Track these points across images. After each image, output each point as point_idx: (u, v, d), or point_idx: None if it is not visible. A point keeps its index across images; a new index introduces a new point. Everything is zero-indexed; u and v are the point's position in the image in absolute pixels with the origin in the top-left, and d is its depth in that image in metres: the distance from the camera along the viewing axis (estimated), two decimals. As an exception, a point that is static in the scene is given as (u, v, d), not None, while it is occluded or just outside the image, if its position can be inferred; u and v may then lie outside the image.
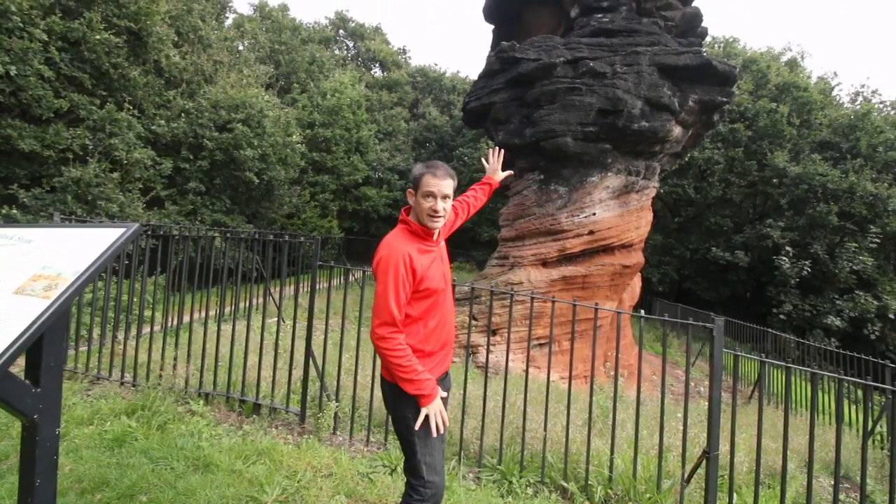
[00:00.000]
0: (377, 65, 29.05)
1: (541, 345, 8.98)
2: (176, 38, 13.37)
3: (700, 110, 9.00)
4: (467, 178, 22.14)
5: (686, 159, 16.47)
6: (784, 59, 21.87)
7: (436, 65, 31.02)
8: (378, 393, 4.03)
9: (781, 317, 14.90)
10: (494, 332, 8.22)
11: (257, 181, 12.55)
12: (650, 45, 7.98)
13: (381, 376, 2.07)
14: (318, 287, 4.17)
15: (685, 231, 18.74)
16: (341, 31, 29.19)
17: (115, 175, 9.44)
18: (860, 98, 18.46)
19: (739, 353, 3.03)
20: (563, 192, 8.46)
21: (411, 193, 1.98)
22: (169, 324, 4.64)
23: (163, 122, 11.16)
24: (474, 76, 26.60)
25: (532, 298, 3.44)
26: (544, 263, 8.61)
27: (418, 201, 1.94)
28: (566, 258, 8.74)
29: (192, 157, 11.79)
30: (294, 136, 14.10)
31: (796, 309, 14.89)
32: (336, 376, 3.85)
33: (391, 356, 1.85)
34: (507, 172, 2.87)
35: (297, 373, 4.33)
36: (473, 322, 8.00)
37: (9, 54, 8.13)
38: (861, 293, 14.28)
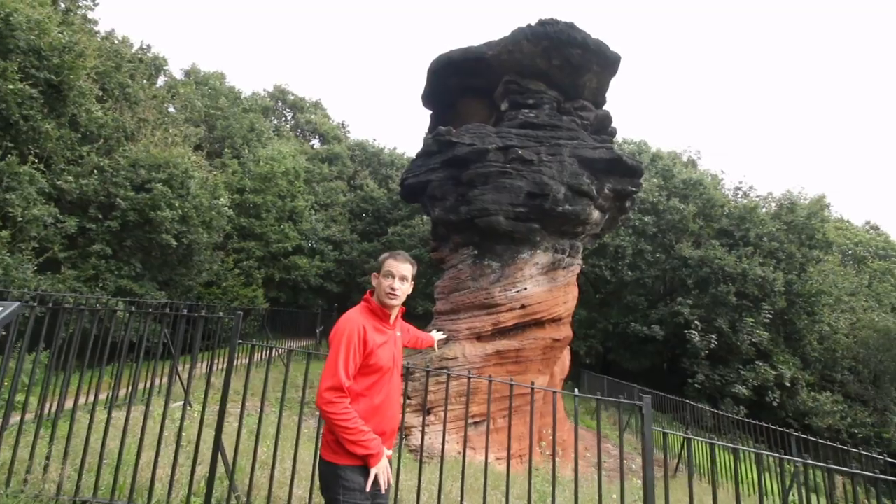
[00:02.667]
0: (317, 137, 29.59)
1: (476, 423, 8.69)
2: (101, 94, 12.81)
3: (614, 197, 9.99)
4: (404, 248, 22.31)
5: (602, 241, 17.95)
6: (684, 158, 25.53)
7: (374, 140, 32.24)
8: (298, 491, 3.58)
9: (696, 386, 15.88)
10: (429, 412, 7.85)
11: (175, 244, 11.65)
12: (570, 138, 8.92)
13: (320, 456, 2.09)
14: (235, 364, 3.76)
15: (606, 306, 19.92)
16: (280, 103, 29.72)
17: (5, 234, 8.32)
18: (740, 192, 21.66)
19: (667, 431, 3.11)
20: (497, 268, 8.73)
21: (376, 276, 2.27)
22: (45, 411, 3.88)
23: (71, 178, 10.26)
24: (411, 153, 27.96)
25: (469, 378, 3.35)
26: (479, 337, 8.60)
27: (380, 281, 2.24)
28: (500, 332, 8.81)
29: (100, 216, 10.80)
30: (222, 199, 13.53)
31: (708, 378, 15.98)
32: (250, 472, 3.36)
33: (338, 420, 1.94)
34: (442, 337, 3.56)
35: (203, 469, 3.75)
36: (407, 401, 7.60)
37: None
38: (760, 363, 15.73)
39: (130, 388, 3.84)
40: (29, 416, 5.06)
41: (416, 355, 8.57)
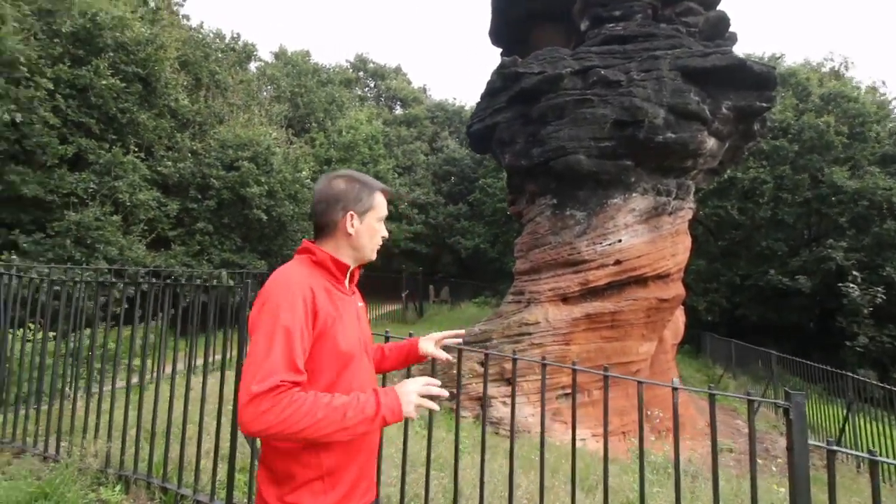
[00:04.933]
0: (398, 103, 29.37)
1: (567, 394, 7.76)
2: (194, 83, 13.68)
3: (736, 118, 7.88)
4: (490, 208, 21.38)
5: (726, 177, 15.05)
6: (825, 69, 20.31)
7: (455, 99, 31.07)
8: None
9: (857, 349, 12.86)
10: (509, 382, 7.11)
11: (266, 218, 12.26)
12: (671, 48, 7.06)
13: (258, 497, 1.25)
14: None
15: (732, 255, 16.99)
16: (362, 73, 29.87)
17: (116, 218, 9.24)
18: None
19: (834, 448, 1.92)
20: (581, 217, 7.45)
21: (352, 214, 1.36)
22: (143, 378, 3.84)
23: (170, 163, 11.09)
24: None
25: (543, 366, 2.49)
26: (564, 299, 7.52)
27: (368, 227, 1.40)
28: (590, 292, 7.62)
29: (199, 196, 11.65)
30: (304, 172, 13.87)
31: (873, 341, 12.83)
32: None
33: (291, 419, 1.05)
34: (441, 354, 1.82)
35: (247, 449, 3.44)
36: (482, 369, 6.95)
37: (16, 103, 8.18)
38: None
39: (205, 358, 3.64)
40: (121, 386, 5.35)
41: (495, 319, 7.81)
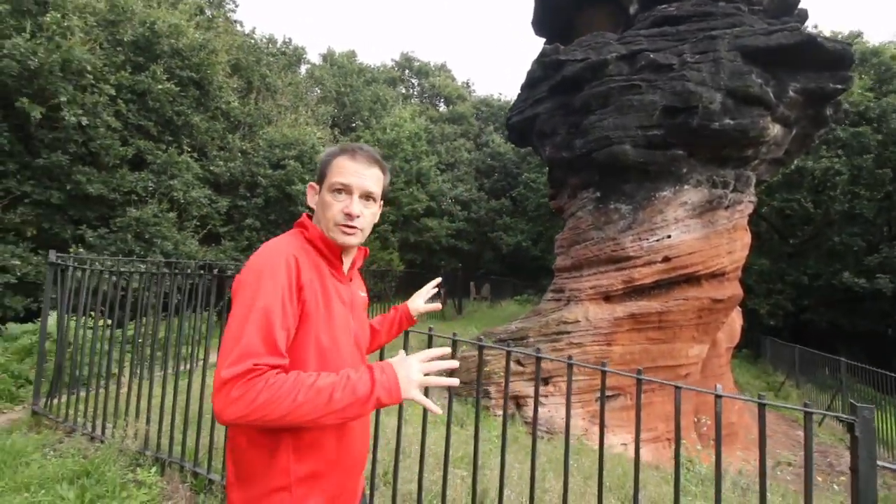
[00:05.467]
0: (441, 100, 29.37)
1: (608, 397, 7.39)
2: (246, 86, 14.29)
3: (805, 102, 7.16)
4: (534, 203, 20.90)
5: (793, 167, 13.83)
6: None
7: (500, 94, 30.63)
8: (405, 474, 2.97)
9: (949, 362, 11.46)
10: (547, 381, 6.87)
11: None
12: (729, 26, 6.49)
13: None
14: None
15: (800, 254, 15.63)
16: (407, 71, 30.10)
17: (172, 214, 9.79)
18: None
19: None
20: (627, 212, 7.04)
21: (314, 189, 1.24)
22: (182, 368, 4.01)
23: (221, 162, 11.62)
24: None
25: (569, 366, 2.33)
26: (607, 298, 7.15)
27: (323, 200, 1.20)
28: (635, 291, 7.20)
29: (248, 194, 12.14)
30: (346, 170, 14.12)
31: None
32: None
33: (269, 404, 0.91)
34: (432, 306, 1.80)
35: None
36: (520, 368, 6.75)
37: (82, 108, 8.84)
38: None
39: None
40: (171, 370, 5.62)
41: (533, 317, 7.55)
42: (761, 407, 1.75)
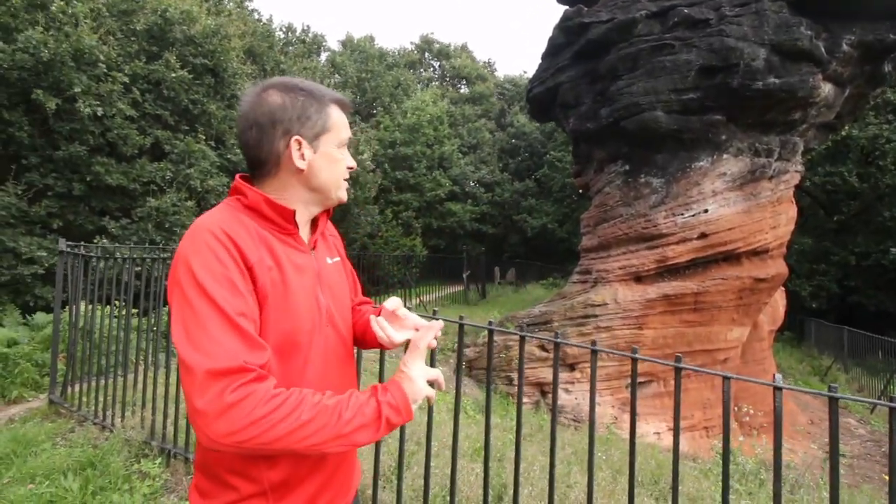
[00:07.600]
0: (462, 81, 28.75)
1: (640, 384, 6.98)
2: (261, 73, 14.16)
3: (861, 58, 6.42)
4: (559, 183, 20.24)
5: (839, 137, 12.75)
6: None
7: (524, 73, 29.68)
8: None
9: None
10: (573, 367, 6.52)
11: (328, 202, 12.50)
12: (774, -27, 5.82)
13: None
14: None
15: (847, 231, 14.53)
16: (427, 54, 29.54)
17: (191, 203, 9.80)
18: None
19: None
20: (658, 185, 6.52)
21: (298, 142, 0.94)
22: None
23: (238, 150, 11.56)
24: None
25: (593, 352, 2.02)
26: (637, 278, 6.69)
27: (330, 156, 0.98)
28: (668, 271, 6.71)
29: (265, 182, 12.08)
30: (365, 155, 13.89)
31: None
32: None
33: (269, 424, 0.75)
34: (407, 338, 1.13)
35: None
36: (544, 353, 6.41)
37: (98, 98, 8.86)
38: None
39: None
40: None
41: (558, 300, 7.16)
42: (833, 402, 1.41)
